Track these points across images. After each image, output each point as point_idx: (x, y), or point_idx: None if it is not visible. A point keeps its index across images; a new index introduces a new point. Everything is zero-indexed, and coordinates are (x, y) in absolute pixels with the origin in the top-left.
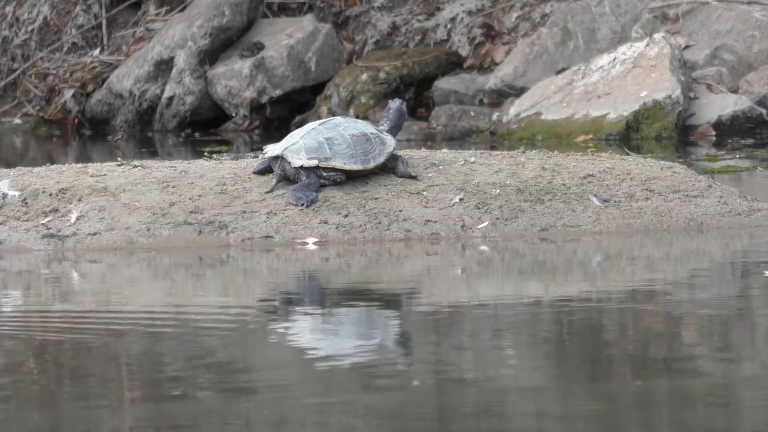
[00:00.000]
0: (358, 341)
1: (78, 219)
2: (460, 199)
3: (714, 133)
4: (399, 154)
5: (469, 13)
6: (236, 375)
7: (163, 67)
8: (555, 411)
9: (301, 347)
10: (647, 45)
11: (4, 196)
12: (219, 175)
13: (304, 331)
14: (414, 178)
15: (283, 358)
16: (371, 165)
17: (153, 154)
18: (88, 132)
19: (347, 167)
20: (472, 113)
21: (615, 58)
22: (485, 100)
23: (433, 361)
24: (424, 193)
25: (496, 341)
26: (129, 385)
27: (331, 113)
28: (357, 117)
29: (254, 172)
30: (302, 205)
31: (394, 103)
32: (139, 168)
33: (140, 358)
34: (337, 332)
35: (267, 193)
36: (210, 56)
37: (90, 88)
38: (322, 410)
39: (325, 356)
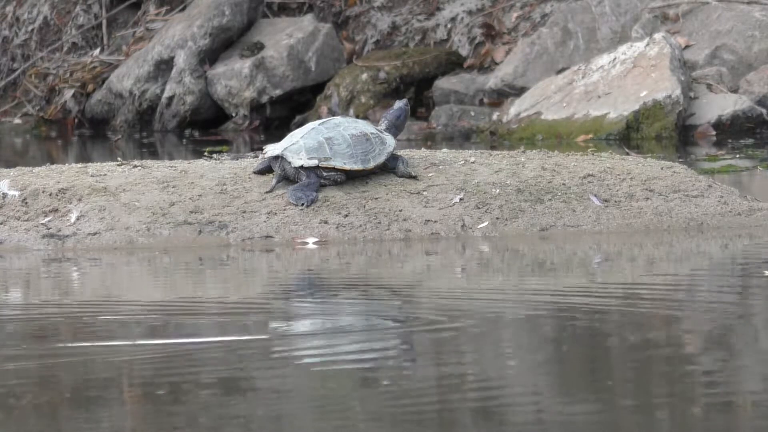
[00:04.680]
0: (358, 344)
1: (78, 219)
2: (460, 199)
3: (714, 133)
4: (399, 154)
5: (469, 12)
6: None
7: (163, 67)
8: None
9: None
10: (647, 45)
11: (4, 196)
12: (219, 175)
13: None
14: (414, 178)
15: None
16: (371, 165)
17: (153, 154)
18: (88, 132)
19: (347, 167)
20: (472, 113)
21: (615, 58)
22: (485, 100)
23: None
24: (424, 193)
25: (497, 345)
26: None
27: (331, 113)
28: (357, 117)
29: (254, 172)
30: (302, 205)
31: (398, 103)
32: (139, 168)
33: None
34: (338, 332)
35: (267, 192)
36: (210, 56)
37: (90, 88)
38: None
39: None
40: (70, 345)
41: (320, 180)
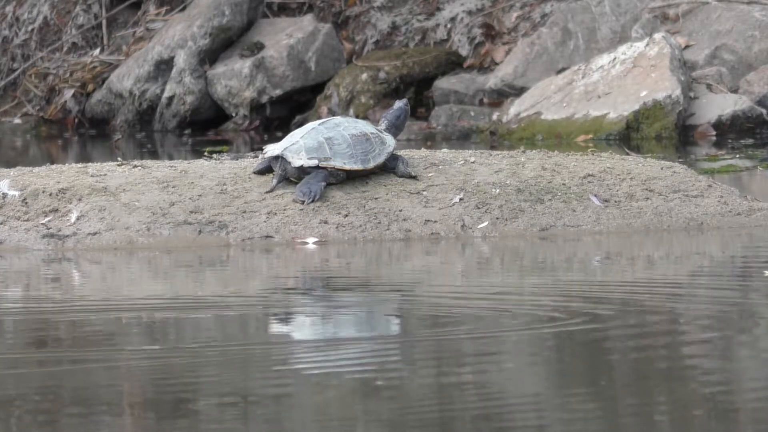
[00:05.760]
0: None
1: (78, 219)
2: (460, 199)
3: (714, 133)
4: (399, 154)
5: (469, 12)
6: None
7: (163, 67)
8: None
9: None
10: (647, 45)
11: (4, 196)
12: (219, 175)
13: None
14: (414, 178)
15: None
16: (371, 165)
17: (153, 154)
18: (88, 132)
19: (347, 167)
20: (472, 113)
21: (615, 58)
22: (485, 100)
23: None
24: (424, 193)
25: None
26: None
27: (331, 113)
28: (357, 117)
29: (254, 172)
30: (310, 200)
31: (398, 103)
32: (139, 168)
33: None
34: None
35: (267, 192)
36: (210, 56)
37: (90, 87)
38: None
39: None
40: (70, 350)
41: (327, 174)
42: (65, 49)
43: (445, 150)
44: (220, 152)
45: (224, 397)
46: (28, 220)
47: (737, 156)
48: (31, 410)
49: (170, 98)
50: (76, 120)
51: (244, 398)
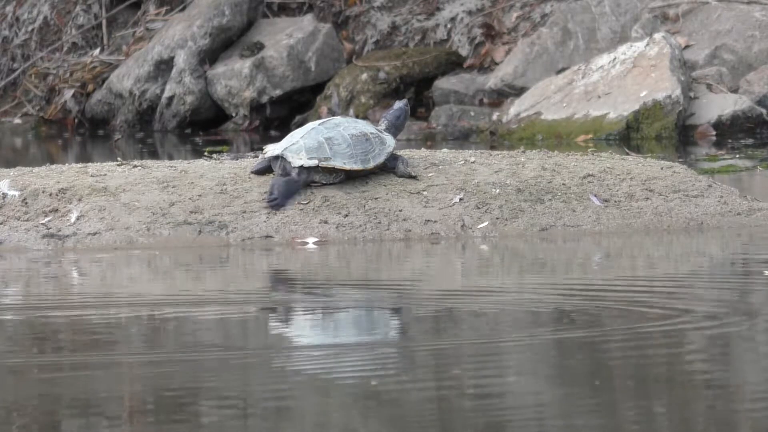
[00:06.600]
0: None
1: (78, 219)
2: (460, 199)
3: (714, 132)
4: (399, 154)
5: (469, 12)
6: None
7: (163, 67)
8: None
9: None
10: (647, 45)
11: (4, 196)
12: (219, 175)
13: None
14: (414, 178)
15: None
16: (371, 165)
17: (153, 154)
18: (88, 132)
19: (347, 167)
20: (472, 113)
21: (615, 58)
22: (485, 100)
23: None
24: (424, 193)
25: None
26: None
27: (331, 113)
28: (357, 117)
29: (252, 173)
30: (275, 204)
31: (397, 103)
32: (139, 168)
33: None
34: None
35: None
36: (210, 56)
37: (90, 88)
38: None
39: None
40: (71, 355)
41: (309, 180)
42: (65, 49)
43: (445, 150)
44: (220, 152)
45: (224, 399)
46: (28, 220)
47: (737, 156)
48: (30, 414)
49: (170, 98)
50: (76, 120)
51: (243, 402)
